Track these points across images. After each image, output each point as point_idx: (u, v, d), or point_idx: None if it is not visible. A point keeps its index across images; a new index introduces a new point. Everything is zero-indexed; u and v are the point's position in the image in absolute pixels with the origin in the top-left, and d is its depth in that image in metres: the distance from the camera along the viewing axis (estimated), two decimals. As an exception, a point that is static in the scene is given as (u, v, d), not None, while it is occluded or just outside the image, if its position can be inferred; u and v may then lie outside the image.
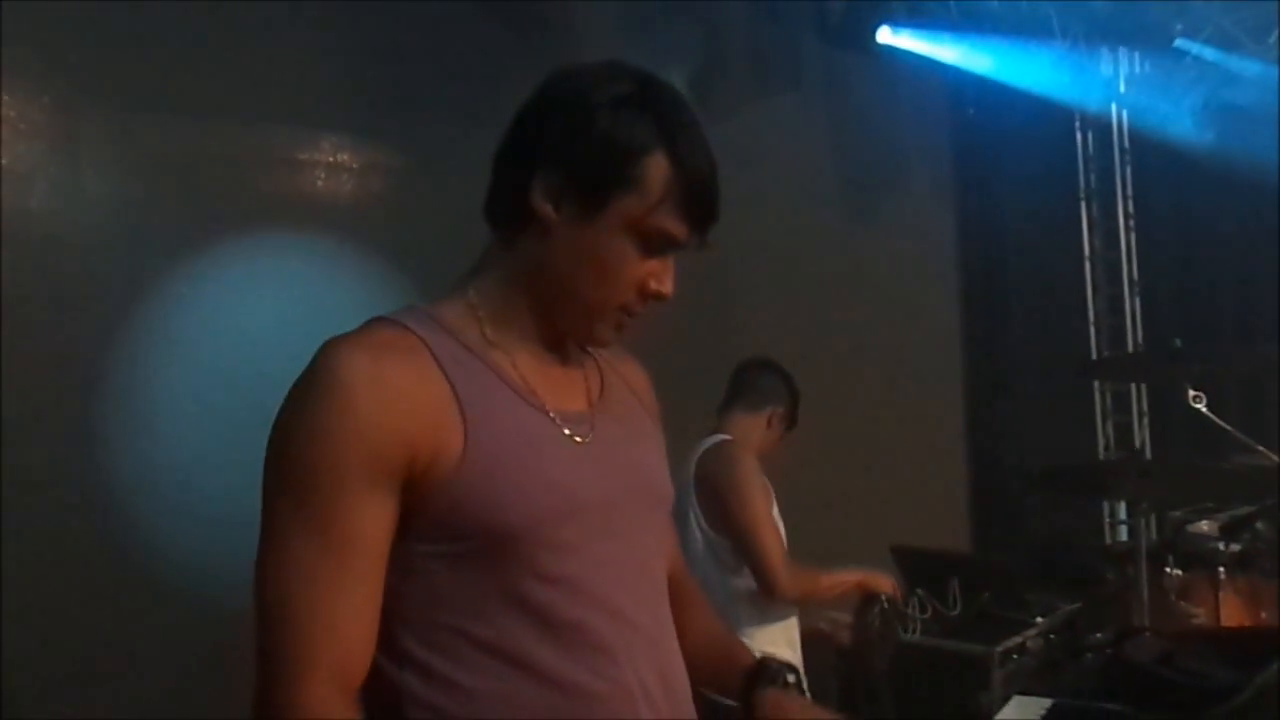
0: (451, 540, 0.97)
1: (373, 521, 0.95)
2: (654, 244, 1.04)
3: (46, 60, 2.06)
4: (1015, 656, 2.67)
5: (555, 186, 1.03)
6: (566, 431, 1.05)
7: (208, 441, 2.20)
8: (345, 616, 0.94)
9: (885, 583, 2.51)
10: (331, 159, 2.57)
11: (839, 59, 4.06)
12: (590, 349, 1.17)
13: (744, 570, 2.37)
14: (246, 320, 2.30)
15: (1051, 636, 2.78)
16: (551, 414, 1.05)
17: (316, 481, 0.94)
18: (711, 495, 2.39)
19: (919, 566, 2.99)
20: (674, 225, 1.04)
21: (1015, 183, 4.79)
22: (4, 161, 1.97)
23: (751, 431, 2.53)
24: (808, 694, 1.26)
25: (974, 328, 4.87)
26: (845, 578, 2.49)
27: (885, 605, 2.53)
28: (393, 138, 2.76)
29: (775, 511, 2.45)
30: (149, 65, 2.22)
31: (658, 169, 1.02)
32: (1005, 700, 1.90)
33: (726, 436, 2.48)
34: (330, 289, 2.39)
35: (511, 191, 1.05)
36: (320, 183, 2.55)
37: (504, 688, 0.97)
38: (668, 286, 1.07)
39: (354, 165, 2.62)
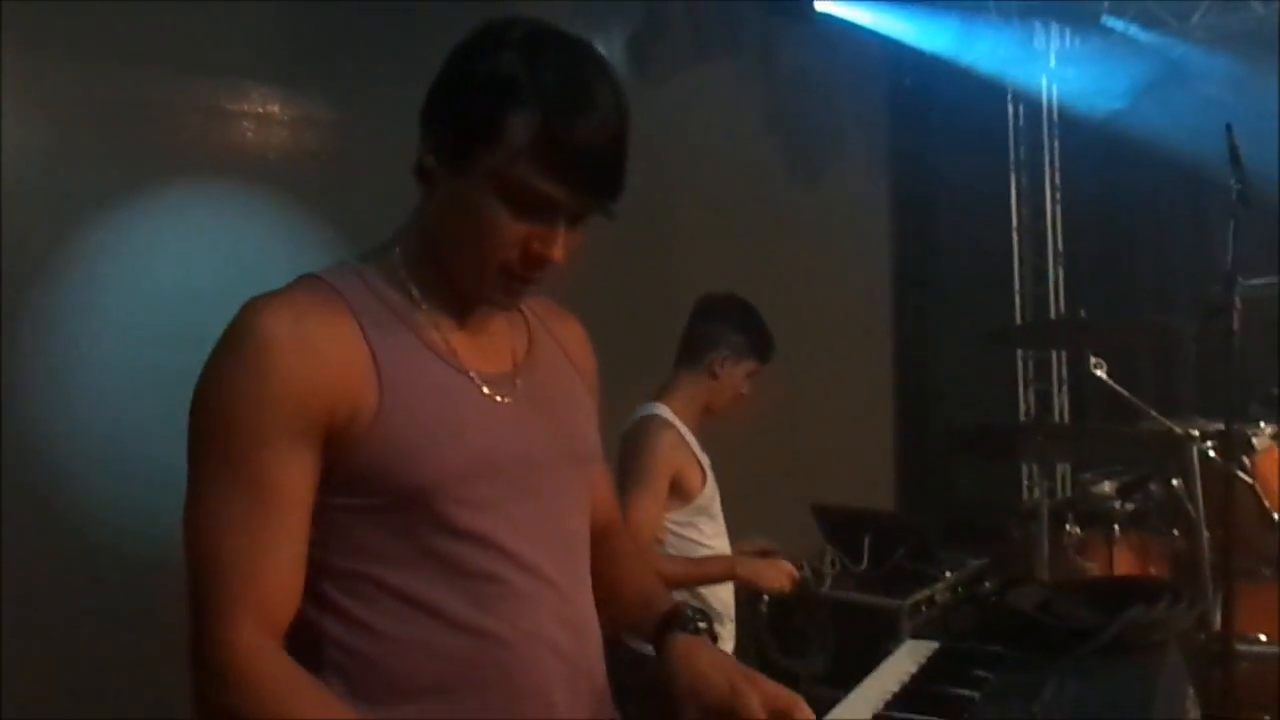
0: (366, 495, 1.01)
1: (294, 474, 0.98)
2: (525, 204, 0.99)
3: (-34, 4, 2.00)
4: (924, 609, 2.80)
5: (434, 139, 1.02)
6: (486, 391, 1.07)
7: (132, 396, 2.17)
8: (270, 563, 0.97)
9: (772, 579, 2.31)
10: (261, 110, 2.51)
11: (777, 25, 4.08)
12: (524, 308, 1.17)
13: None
14: (174, 274, 2.25)
15: (959, 590, 2.90)
16: (472, 374, 1.07)
17: (239, 437, 0.97)
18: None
19: (838, 524, 3.10)
20: (545, 186, 0.98)
21: (948, 152, 4.89)
22: (-83, 107, 1.92)
23: (695, 390, 2.37)
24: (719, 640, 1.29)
25: (904, 293, 4.99)
26: (714, 569, 2.32)
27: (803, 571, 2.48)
28: (324, 90, 2.70)
29: (709, 486, 2.36)
30: (72, 9, 2.16)
31: (524, 124, 0.97)
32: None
33: (651, 410, 2.35)
34: (260, 243, 2.34)
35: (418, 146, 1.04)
36: (250, 134, 2.50)
37: (417, 633, 1.01)
38: (554, 252, 1.01)
39: (285, 117, 2.56)
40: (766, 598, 2.56)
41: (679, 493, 2.32)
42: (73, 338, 2.16)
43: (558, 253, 1.01)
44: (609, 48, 3.58)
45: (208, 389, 0.99)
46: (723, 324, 2.40)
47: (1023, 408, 5.29)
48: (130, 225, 2.22)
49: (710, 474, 2.41)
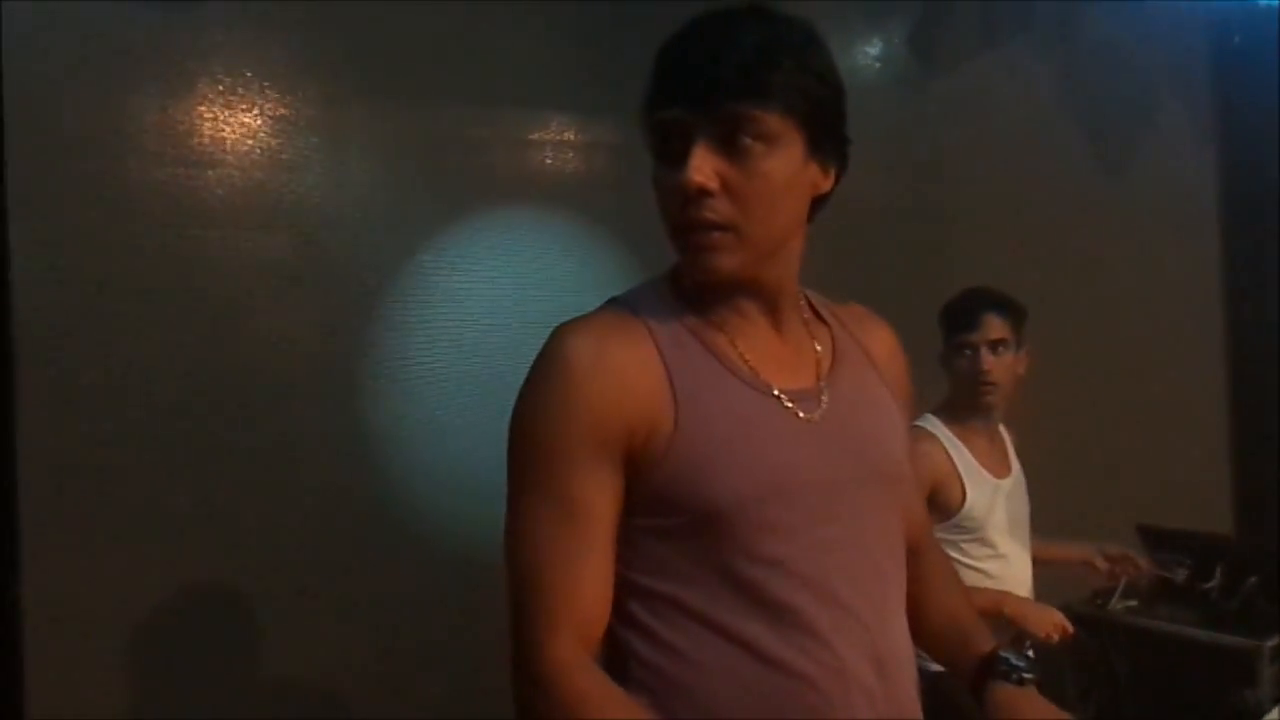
0: (664, 515, 1.02)
1: (602, 493, 1.02)
2: (659, 146, 1.03)
3: (317, 62, 2.28)
4: (1289, 653, 2.40)
5: None
6: (787, 408, 1.05)
7: (454, 403, 2.40)
8: (583, 579, 1.01)
9: (1039, 625, 2.15)
10: (558, 137, 2.66)
11: (1074, -6, 3.72)
12: (828, 318, 1.17)
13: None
14: (485, 292, 2.47)
15: (1336, 634, 2.46)
16: (777, 392, 1.06)
17: (549, 459, 1.02)
18: None
19: (1170, 548, 2.74)
20: (657, 111, 1.03)
21: (1291, 121, 4.23)
22: (286, 156, 2.23)
23: (950, 394, 2.39)
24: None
25: (1239, 284, 4.37)
26: (980, 601, 2.08)
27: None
28: (614, 115, 2.81)
29: (970, 504, 2.27)
30: (400, 60, 2.41)
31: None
32: (1276, 703, 1.71)
33: (919, 420, 2.33)
34: (558, 261, 2.52)
35: None
36: (548, 161, 2.65)
37: (719, 659, 1.01)
38: (685, 174, 1.00)
39: (579, 143, 2.69)
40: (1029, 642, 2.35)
41: (936, 508, 2.24)
42: (404, 349, 2.39)
43: (688, 175, 0.99)
44: (887, 40, 3.40)
45: (521, 412, 1.04)
46: (961, 321, 2.38)
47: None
48: (447, 248, 2.45)
49: (977, 491, 2.29)
